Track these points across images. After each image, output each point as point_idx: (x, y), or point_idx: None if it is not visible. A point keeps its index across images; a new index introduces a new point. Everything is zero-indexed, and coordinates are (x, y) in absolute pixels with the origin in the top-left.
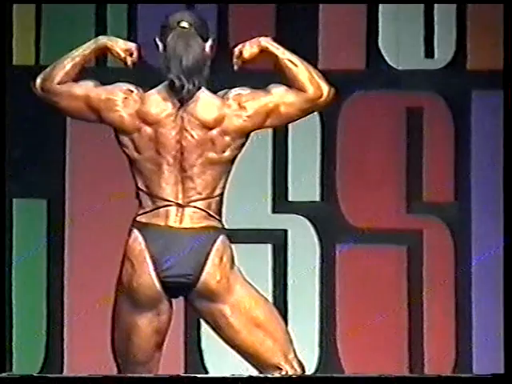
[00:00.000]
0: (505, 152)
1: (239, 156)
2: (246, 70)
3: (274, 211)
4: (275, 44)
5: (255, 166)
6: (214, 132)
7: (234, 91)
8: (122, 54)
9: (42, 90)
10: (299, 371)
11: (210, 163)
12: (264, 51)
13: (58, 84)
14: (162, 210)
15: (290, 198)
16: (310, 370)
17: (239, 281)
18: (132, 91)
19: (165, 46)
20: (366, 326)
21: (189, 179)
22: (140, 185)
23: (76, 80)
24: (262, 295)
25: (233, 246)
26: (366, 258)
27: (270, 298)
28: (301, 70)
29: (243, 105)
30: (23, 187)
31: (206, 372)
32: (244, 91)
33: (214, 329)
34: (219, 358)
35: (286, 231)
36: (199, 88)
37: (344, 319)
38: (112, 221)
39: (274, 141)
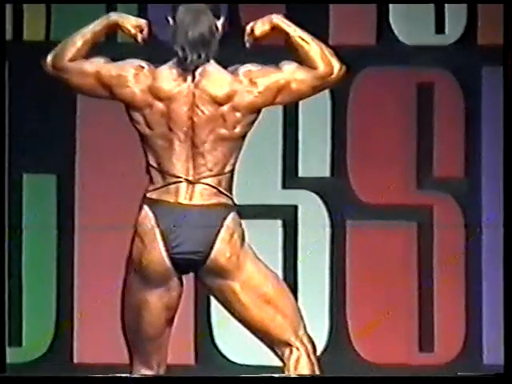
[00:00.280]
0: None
1: (250, 132)
2: (258, 46)
3: (284, 187)
4: (286, 21)
5: (265, 141)
6: (225, 108)
7: (245, 67)
8: (133, 31)
9: (52, 67)
10: (309, 347)
11: (221, 139)
12: (275, 28)
13: (69, 61)
14: (172, 186)
15: (300, 174)
16: (319, 346)
17: (249, 257)
18: (143, 67)
19: (174, 20)
20: (376, 302)
21: (200, 155)
22: (151, 161)
23: (87, 57)
24: (273, 271)
25: (243, 221)
26: (375, 234)
27: (280, 274)
28: (312, 47)
29: (254, 81)
30: (33, 162)
31: (216, 348)
32: (255, 67)
33: (224, 305)
34: (229, 334)
35: (296, 207)
36: (207, 61)
37: (354, 295)
38: (122, 197)
39: (284, 116)
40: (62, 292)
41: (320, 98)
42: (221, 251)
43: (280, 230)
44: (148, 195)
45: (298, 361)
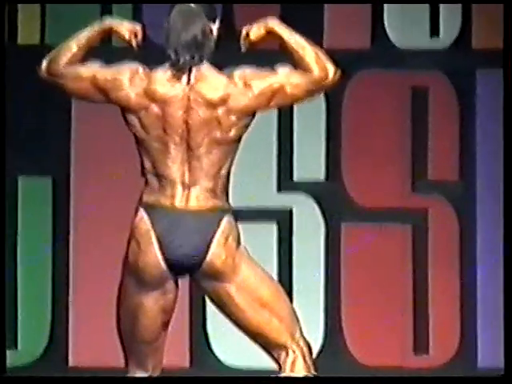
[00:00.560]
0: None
1: (245, 135)
2: (253, 49)
3: (280, 190)
4: (282, 25)
5: (260, 144)
6: (220, 111)
7: (240, 70)
8: (128, 36)
9: (48, 73)
10: (305, 350)
11: (216, 143)
12: (271, 32)
13: (64, 66)
14: (168, 189)
15: (295, 177)
16: (315, 348)
17: (245, 260)
18: (138, 70)
19: (168, 22)
20: (371, 305)
21: (195, 159)
22: (146, 164)
23: (82, 62)
24: (268, 274)
25: (238, 224)
26: (370, 237)
27: (276, 277)
28: (307, 51)
29: (249, 84)
30: (28, 165)
31: (211, 351)
32: (250, 71)
33: (219, 308)
34: (224, 338)
35: (291, 210)
36: (200, 62)
37: (349, 298)
38: (117, 200)
39: (279, 119)
40: (58, 295)
41: (315, 102)
42: (216, 254)
43: (275, 233)
44: (144, 198)
45: (293, 363)
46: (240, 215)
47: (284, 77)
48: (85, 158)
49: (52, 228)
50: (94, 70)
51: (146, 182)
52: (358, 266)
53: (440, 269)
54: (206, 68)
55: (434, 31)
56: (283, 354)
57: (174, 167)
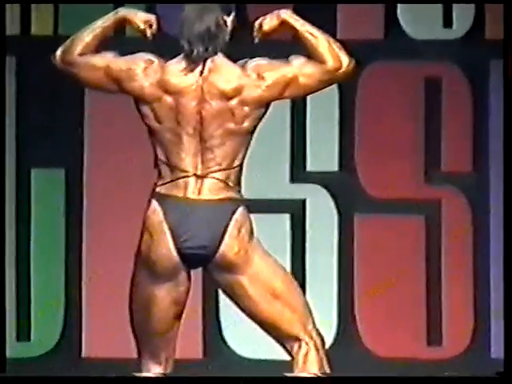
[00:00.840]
0: None
1: (258, 127)
2: (267, 40)
3: (293, 181)
4: (295, 16)
5: (273, 135)
6: (233, 102)
7: (253, 61)
8: (142, 26)
9: (62, 62)
10: (318, 342)
11: (230, 134)
12: (284, 23)
13: (78, 55)
14: (181, 180)
15: (308, 168)
16: (328, 340)
17: (258, 252)
18: (153, 61)
19: (182, 14)
20: (384, 297)
21: (208, 150)
22: (159, 155)
23: (96, 51)
24: (281, 266)
25: (251, 216)
26: (383, 228)
27: (288, 269)
28: (320, 41)
29: (262, 75)
30: (41, 157)
31: (224, 342)
32: (263, 61)
33: (232, 300)
34: (237, 329)
35: (304, 201)
36: (214, 54)
37: (362, 290)
38: (130, 191)
39: (292, 110)
40: (71, 286)
41: (328, 93)
42: (229, 246)
43: (288, 225)
44: (157, 190)
45: (306, 355)
46: (253, 206)
47: (297, 67)
48: (98, 150)
49: (65, 220)
50: (108, 59)
51: (159, 174)
52: (372, 257)
53: (453, 260)
54: (220, 59)
55: (448, 22)
56: (296, 345)
57: (187, 158)
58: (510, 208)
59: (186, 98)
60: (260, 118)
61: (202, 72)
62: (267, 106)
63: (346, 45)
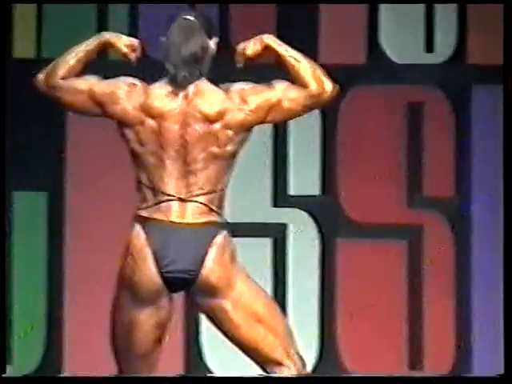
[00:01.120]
0: (505, 147)
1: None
2: (250, 65)
3: (275, 205)
4: (278, 41)
5: (256, 159)
6: (217, 126)
7: (237, 85)
8: (125, 50)
9: (45, 85)
10: (300, 366)
11: (213, 158)
12: (267, 48)
13: (62, 79)
14: (164, 204)
15: (290, 192)
16: (309, 363)
17: (240, 276)
18: (136, 85)
19: (167, 38)
20: (366, 321)
21: (192, 174)
22: (142, 179)
23: (79, 75)
24: (263, 290)
25: (233, 239)
26: (366, 253)
27: (270, 293)
28: (304, 66)
29: (246, 99)
30: (23, 180)
31: (206, 367)
32: (247, 85)
33: (214, 324)
34: (219, 353)
35: (286, 225)
36: (198, 78)
37: (344, 314)
38: (113, 214)
39: (274, 134)
40: (52, 310)
41: (310, 117)
42: (211, 270)
43: (270, 249)
44: (139, 213)
45: None
46: (235, 230)
47: (281, 92)
48: (80, 174)
49: (47, 244)
50: (91, 82)
51: (142, 197)
52: (353, 281)
53: (435, 285)
54: (204, 83)
55: (430, 47)
56: (278, 370)
57: (171, 182)
58: (509, 229)
59: (169, 121)
60: (243, 142)
61: (185, 96)
62: (250, 129)
63: (328, 69)
